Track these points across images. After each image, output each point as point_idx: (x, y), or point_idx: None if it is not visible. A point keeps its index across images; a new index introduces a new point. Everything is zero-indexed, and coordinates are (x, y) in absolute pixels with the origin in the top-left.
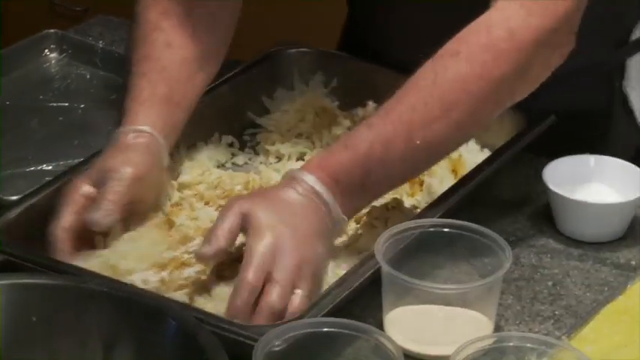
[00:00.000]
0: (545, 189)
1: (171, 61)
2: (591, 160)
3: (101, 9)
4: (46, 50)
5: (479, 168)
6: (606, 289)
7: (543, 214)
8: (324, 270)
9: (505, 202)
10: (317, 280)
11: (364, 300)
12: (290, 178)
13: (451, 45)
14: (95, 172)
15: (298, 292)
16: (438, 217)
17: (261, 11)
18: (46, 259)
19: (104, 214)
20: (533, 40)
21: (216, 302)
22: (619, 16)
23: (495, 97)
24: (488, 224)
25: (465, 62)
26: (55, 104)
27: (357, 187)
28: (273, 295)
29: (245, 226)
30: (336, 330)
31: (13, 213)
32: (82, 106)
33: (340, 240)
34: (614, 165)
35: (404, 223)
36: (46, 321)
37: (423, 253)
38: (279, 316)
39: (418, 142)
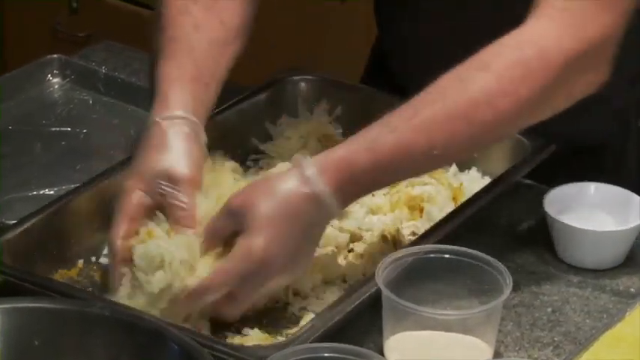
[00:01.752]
0: (546, 216)
1: (199, 43)
2: (591, 187)
3: (104, 35)
4: (49, 75)
5: (479, 195)
6: (605, 316)
7: (543, 241)
8: (300, 271)
9: (505, 228)
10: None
11: (364, 325)
12: (300, 179)
13: (480, 57)
14: (146, 176)
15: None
16: (437, 243)
17: (268, 37)
18: (46, 280)
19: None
20: (562, 62)
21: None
22: (634, 52)
23: (518, 115)
24: (488, 251)
25: (494, 77)
26: (57, 129)
27: (371, 188)
28: (226, 308)
29: (237, 227)
30: (336, 355)
31: (13, 234)
32: (84, 131)
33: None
34: (613, 193)
35: (404, 248)
36: (48, 345)
37: (423, 278)
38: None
39: (436, 152)
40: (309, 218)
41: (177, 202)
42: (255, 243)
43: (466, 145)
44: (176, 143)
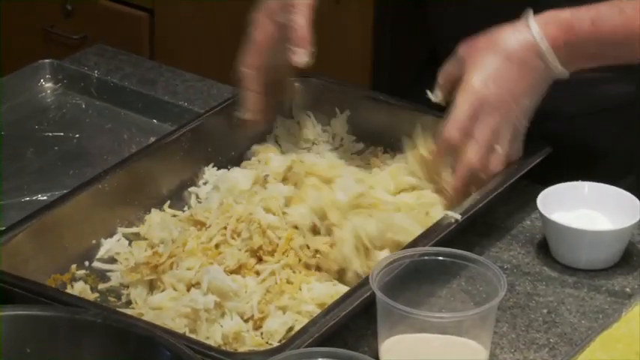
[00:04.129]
0: (540, 216)
1: None
2: (585, 187)
3: (98, 38)
4: (42, 80)
5: (473, 199)
6: (601, 316)
7: (538, 242)
8: (528, 114)
9: (500, 229)
10: (516, 138)
11: (359, 328)
12: (523, 27)
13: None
14: (271, 8)
15: (497, 148)
16: (432, 246)
17: None
18: (39, 286)
19: (304, 53)
20: None
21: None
22: None
23: None
24: (482, 252)
25: None
26: (50, 134)
27: (585, 57)
28: (471, 153)
29: (461, 71)
30: None
31: (6, 240)
32: (77, 135)
33: None
34: (608, 192)
35: (399, 251)
36: (40, 352)
37: (418, 281)
38: (474, 176)
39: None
40: (528, 66)
41: (294, 24)
42: (472, 78)
43: None
44: None
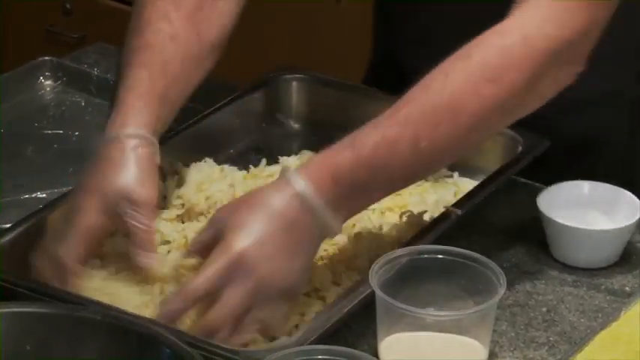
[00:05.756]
0: (540, 215)
1: (173, 57)
2: (585, 186)
3: (98, 36)
4: (41, 78)
5: (472, 194)
6: (600, 315)
7: (537, 241)
8: (296, 286)
9: (499, 228)
10: (282, 299)
11: (358, 327)
12: (281, 180)
13: (464, 49)
14: (103, 194)
15: (245, 318)
16: (431, 244)
17: (262, 36)
18: (40, 284)
19: (153, 257)
20: (546, 49)
21: None
22: None
23: (505, 104)
24: (482, 250)
25: (477, 65)
26: (49, 132)
27: (357, 189)
28: (212, 315)
29: (219, 236)
30: (330, 357)
31: (6, 238)
32: (76, 133)
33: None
34: (607, 191)
35: (398, 249)
36: (40, 350)
37: (417, 279)
38: (218, 337)
39: (424, 144)
40: (295, 225)
41: (139, 225)
42: (232, 240)
43: (453, 138)
44: (138, 163)
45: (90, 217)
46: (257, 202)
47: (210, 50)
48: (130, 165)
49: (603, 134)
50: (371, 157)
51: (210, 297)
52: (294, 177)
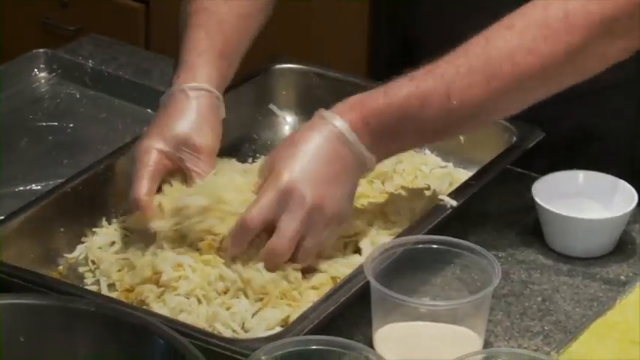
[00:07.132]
0: (535, 204)
1: (228, 15)
2: (580, 175)
3: (94, 28)
4: (36, 70)
5: (467, 183)
6: (595, 304)
7: (532, 230)
8: (344, 211)
9: (494, 217)
10: (333, 224)
11: (353, 317)
12: (317, 119)
13: (508, 18)
14: (168, 138)
15: (304, 243)
16: (426, 234)
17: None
18: (36, 276)
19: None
20: (587, 25)
21: None
22: None
23: (541, 75)
24: (477, 240)
25: (517, 35)
26: (44, 124)
27: (387, 133)
28: (273, 243)
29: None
30: (325, 348)
31: (0, 231)
32: (71, 125)
33: None
34: (602, 180)
35: (393, 240)
36: (33, 341)
37: (412, 269)
38: (279, 264)
39: (455, 103)
40: (335, 157)
41: (197, 169)
42: (280, 172)
43: (485, 101)
44: (201, 112)
45: (152, 156)
46: (299, 140)
47: (261, 8)
48: (192, 113)
49: (605, 125)
50: (402, 105)
51: (267, 225)
52: (330, 116)
